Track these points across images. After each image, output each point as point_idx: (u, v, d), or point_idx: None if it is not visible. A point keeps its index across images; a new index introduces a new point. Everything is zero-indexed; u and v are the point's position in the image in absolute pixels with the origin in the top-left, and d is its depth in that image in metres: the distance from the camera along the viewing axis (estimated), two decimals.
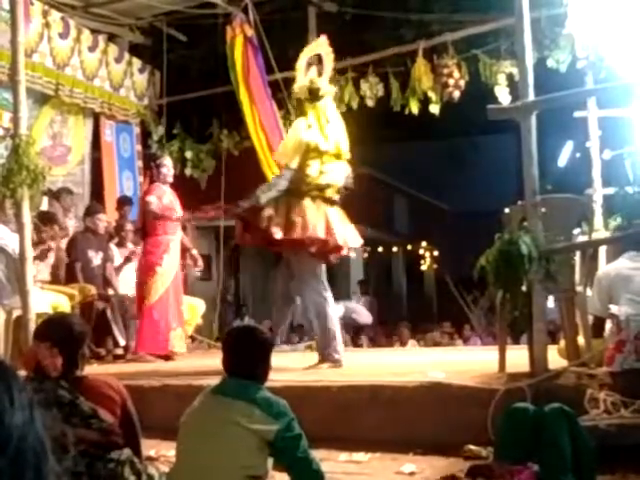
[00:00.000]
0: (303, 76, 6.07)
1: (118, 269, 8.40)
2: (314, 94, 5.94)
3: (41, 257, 7.28)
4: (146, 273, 7.44)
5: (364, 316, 13.31)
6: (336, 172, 5.90)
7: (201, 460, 3.18)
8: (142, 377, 5.83)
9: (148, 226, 7.48)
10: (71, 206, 8.87)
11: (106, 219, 8.43)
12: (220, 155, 9.89)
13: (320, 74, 6.09)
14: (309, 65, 6.13)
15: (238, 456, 3.14)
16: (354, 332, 12.38)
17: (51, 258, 7.54)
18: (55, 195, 8.66)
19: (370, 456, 4.53)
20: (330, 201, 5.91)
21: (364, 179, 18.46)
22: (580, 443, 3.63)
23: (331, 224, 5.76)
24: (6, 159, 6.38)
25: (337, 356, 5.85)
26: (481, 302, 15.06)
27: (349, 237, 5.98)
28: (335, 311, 6.04)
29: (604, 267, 5.29)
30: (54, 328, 3.50)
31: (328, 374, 5.54)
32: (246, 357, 3.35)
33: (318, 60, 6.19)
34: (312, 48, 6.39)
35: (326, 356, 5.86)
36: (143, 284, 7.47)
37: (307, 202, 5.76)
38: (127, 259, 8.45)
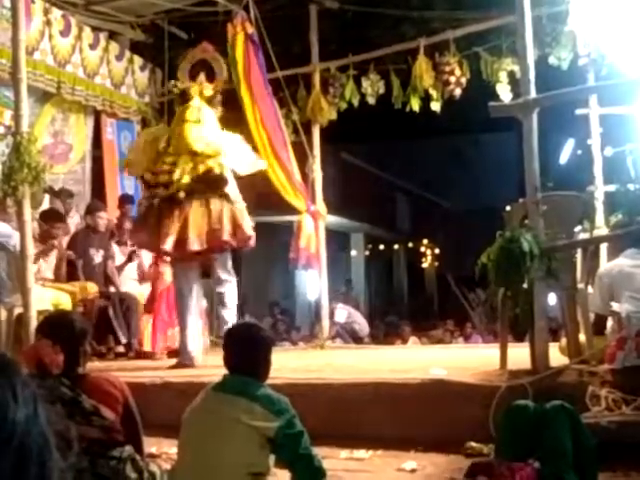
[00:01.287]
0: (184, 81, 6.39)
1: (120, 268, 8.39)
2: (182, 97, 6.33)
3: (45, 254, 7.30)
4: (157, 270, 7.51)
5: (364, 329, 13.36)
6: (177, 170, 5.96)
7: (203, 457, 3.18)
8: (144, 374, 5.84)
9: None
10: (71, 208, 8.86)
11: (107, 217, 8.42)
12: None
13: (210, 79, 6.43)
14: (195, 71, 6.43)
15: (240, 453, 3.14)
16: (353, 341, 12.45)
17: (53, 256, 7.55)
18: (57, 194, 8.65)
19: (371, 453, 4.54)
20: (177, 200, 5.97)
21: (365, 177, 18.50)
22: (581, 440, 3.63)
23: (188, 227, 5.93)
24: (7, 157, 6.37)
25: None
26: (482, 300, 15.10)
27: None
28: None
29: (605, 265, 5.28)
30: (55, 325, 3.51)
31: (330, 372, 5.55)
32: (247, 354, 3.35)
33: (204, 65, 6.49)
34: (194, 55, 6.64)
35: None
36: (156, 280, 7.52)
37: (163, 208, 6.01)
38: (129, 258, 8.44)
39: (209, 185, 6.02)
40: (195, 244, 5.90)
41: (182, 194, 5.95)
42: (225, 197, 6.08)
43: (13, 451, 0.87)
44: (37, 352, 3.35)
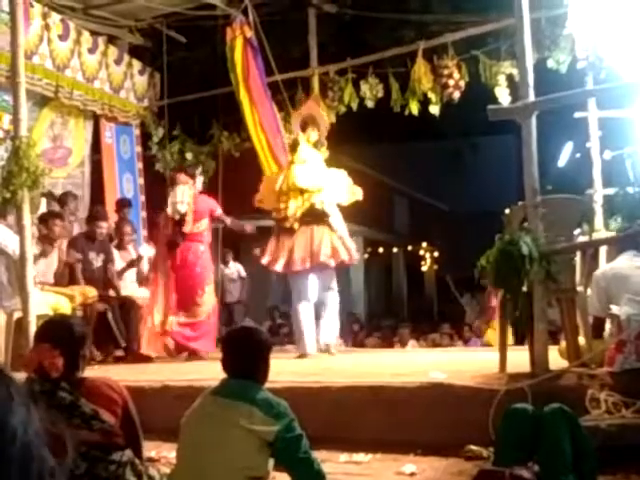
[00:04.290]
0: (298, 133, 7.51)
1: (120, 273, 8.37)
2: (293, 146, 7.48)
3: (44, 255, 7.31)
4: (208, 277, 7.80)
5: None
6: (290, 206, 7.09)
7: (202, 461, 3.18)
8: (143, 378, 5.83)
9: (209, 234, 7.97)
10: (76, 210, 8.85)
11: (106, 226, 8.31)
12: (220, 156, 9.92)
13: (315, 129, 7.46)
14: (305, 124, 7.52)
15: (239, 457, 3.13)
16: None
17: (54, 258, 7.54)
18: (60, 200, 8.63)
19: (371, 457, 4.54)
20: (291, 230, 7.10)
21: (364, 180, 18.49)
22: (581, 443, 3.62)
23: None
24: (6, 161, 6.38)
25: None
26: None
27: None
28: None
29: (602, 267, 5.28)
30: (55, 329, 3.50)
31: (329, 375, 5.54)
32: (245, 358, 3.34)
33: (312, 119, 7.56)
34: (300, 112, 7.78)
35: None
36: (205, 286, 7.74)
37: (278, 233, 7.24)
38: (131, 264, 8.43)
39: (313, 217, 7.11)
40: (298, 265, 7.03)
41: (296, 225, 7.09)
42: (328, 226, 7.16)
43: (16, 452, 0.90)
44: (37, 356, 3.35)
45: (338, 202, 7.34)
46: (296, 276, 7.22)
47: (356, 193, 7.57)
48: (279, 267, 7.15)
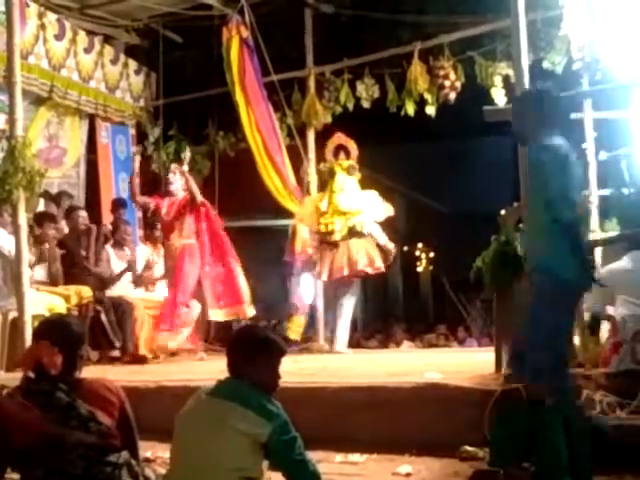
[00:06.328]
0: (331, 159, 8.44)
1: (118, 276, 8.33)
2: (330, 173, 8.35)
3: (40, 261, 7.29)
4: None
5: None
6: (336, 223, 8.13)
7: (195, 462, 3.16)
8: (138, 378, 5.83)
9: None
10: None
11: (85, 215, 8.34)
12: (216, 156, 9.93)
13: (347, 156, 8.38)
14: (337, 151, 8.41)
15: (231, 458, 3.10)
16: None
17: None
18: (54, 199, 8.61)
19: (366, 457, 4.54)
20: (334, 243, 8.11)
21: (360, 181, 18.47)
22: (576, 444, 3.63)
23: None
24: (2, 161, 6.36)
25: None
26: (477, 304, 15.12)
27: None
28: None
29: (609, 265, 5.26)
30: (54, 328, 3.48)
31: (325, 375, 5.54)
32: (239, 357, 3.29)
33: (341, 147, 8.43)
34: (333, 141, 8.51)
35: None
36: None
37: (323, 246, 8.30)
38: (129, 267, 8.40)
39: (353, 235, 8.13)
40: (339, 273, 8.05)
41: (340, 240, 8.08)
42: (365, 239, 8.15)
43: None
44: (35, 354, 3.34)
45: (375, 220, 8.27)
46: (336, 283, 8.23)
47: (388, 210, 8.46)
48: (324, 277, 8.25)
